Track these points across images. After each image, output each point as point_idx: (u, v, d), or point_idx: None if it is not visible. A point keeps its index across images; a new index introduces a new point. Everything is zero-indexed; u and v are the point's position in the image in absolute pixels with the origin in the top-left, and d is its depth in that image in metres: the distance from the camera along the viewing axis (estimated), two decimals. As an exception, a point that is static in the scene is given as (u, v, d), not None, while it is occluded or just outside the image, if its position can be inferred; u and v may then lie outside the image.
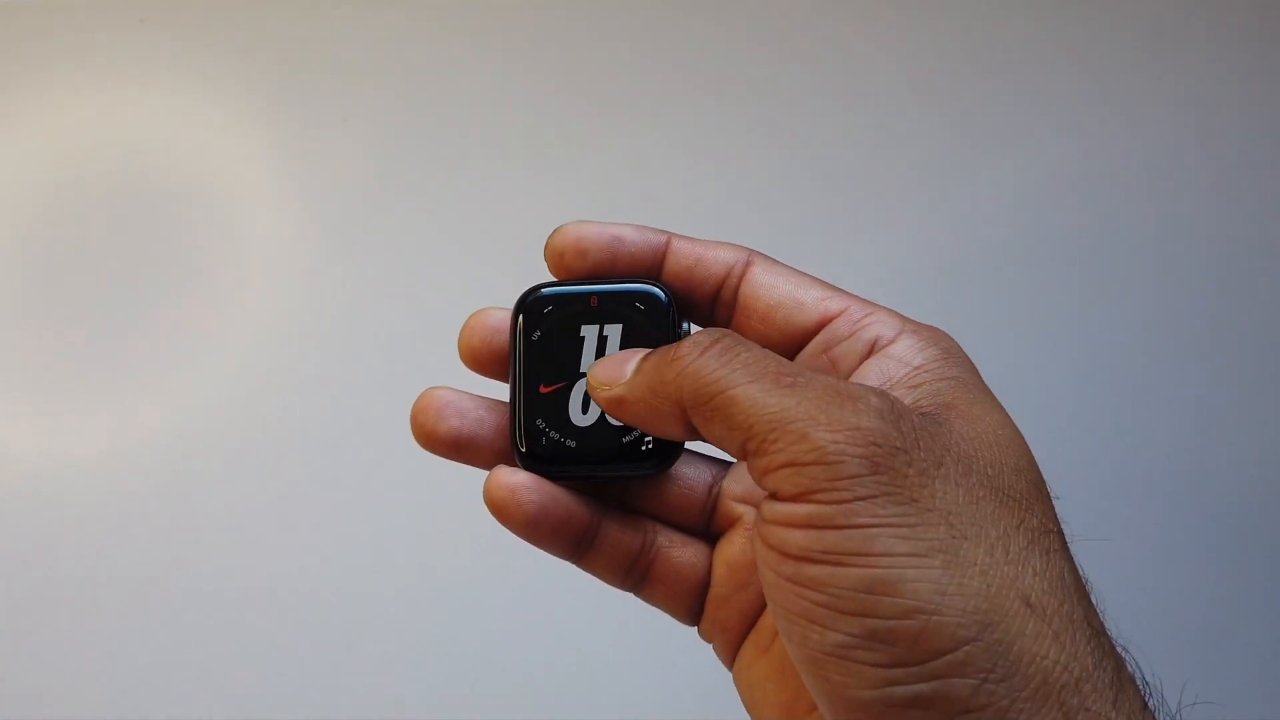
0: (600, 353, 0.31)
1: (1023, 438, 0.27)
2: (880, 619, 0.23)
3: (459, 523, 0.65)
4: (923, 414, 0.26)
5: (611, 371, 0.29)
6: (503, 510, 0.30)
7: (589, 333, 0.32)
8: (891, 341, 0.30)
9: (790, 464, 0.24)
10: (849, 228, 0.76)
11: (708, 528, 0.32)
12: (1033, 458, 0.27)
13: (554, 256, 0.32)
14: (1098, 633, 0.24)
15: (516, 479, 0.30)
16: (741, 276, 0.32)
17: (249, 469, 0.71)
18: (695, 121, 0.79)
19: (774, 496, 0.25)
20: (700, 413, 0.26)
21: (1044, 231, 0.76)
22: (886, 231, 0.76)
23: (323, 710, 0.65)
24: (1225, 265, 0.75)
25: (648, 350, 0.29)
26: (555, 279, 0.32)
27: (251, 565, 0.69)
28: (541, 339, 0.32)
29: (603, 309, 0.32)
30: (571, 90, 0.80)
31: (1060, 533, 0.26)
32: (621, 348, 0.31)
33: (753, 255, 0.32)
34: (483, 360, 0.32)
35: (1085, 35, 0.80)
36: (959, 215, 0.76)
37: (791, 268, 0.32)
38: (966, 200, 0.77)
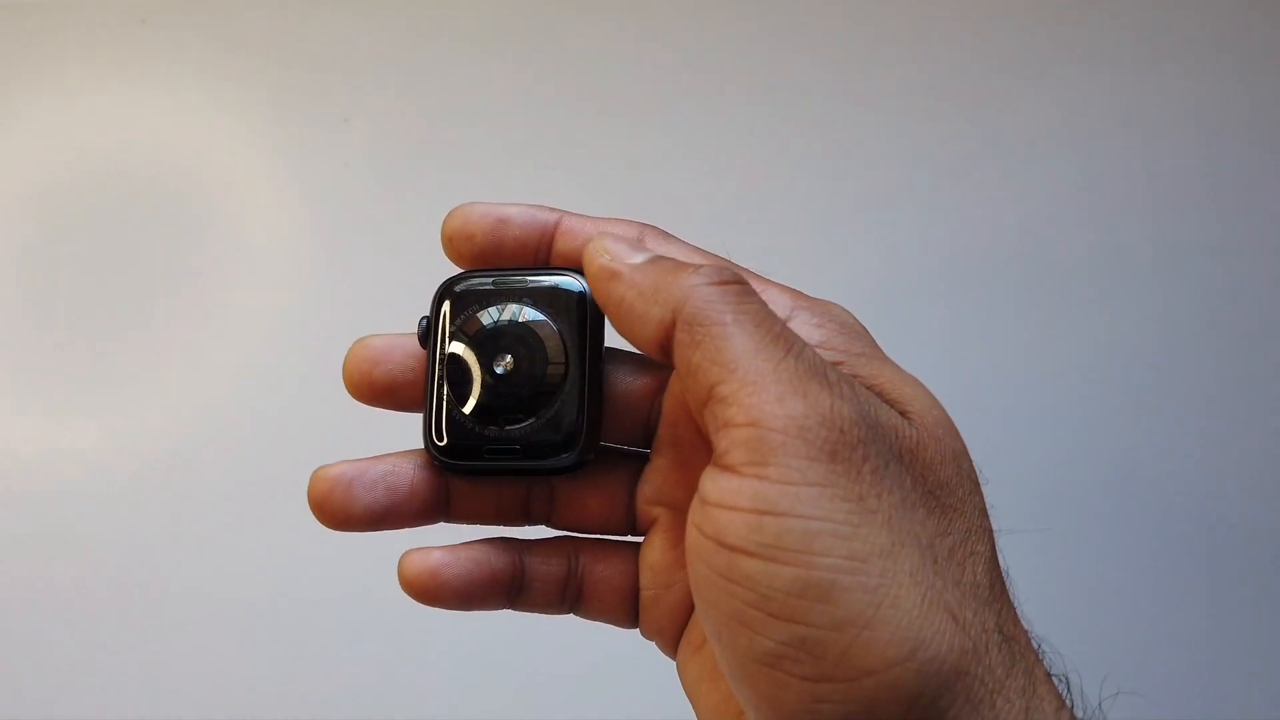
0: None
1: (949, 417, 0.27)
2: (810, 627, 0.22)
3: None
4: (874, 406, 0.25)
5: (620, 250, 0.28)
6: (429, 594, 0.29)
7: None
8: (786, 320, 0.28)
9: (754, 424, 0.24)
10: (850, 226, 0.76)
11: (631, 531, 0.32)
12: (963, 442, 0.27)
13: (445, 242, 0.31)
14: (1008, 639, 0.24)
15: (431, 558, 0.30)
16: None
17: (249, 468, 0.71)
18: (696, 120, 0.79)
19: (720, 463, 0.24)
20: (690, 333, 0.25)
21: (1049, 229, 0.76)
22: (888, 229, 0.76)
23: (323, 710, 0.65)
24: (1226, 267, 0.75)
25: (661, 255, 0.28)
26: (480, 268, 0.31)
27: (251, 563, 0.69)
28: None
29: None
30: (572, 89, 0.80)
31: (984, 529, 0.26)
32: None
33: (645, 230, 0.30)
34: (366, 391, 0.31)
35: (1092, 32, 0.80)
36: (961, 213, 0.76)
37: (685, 243, 0.31)
38: (968, 198, 0.77)
